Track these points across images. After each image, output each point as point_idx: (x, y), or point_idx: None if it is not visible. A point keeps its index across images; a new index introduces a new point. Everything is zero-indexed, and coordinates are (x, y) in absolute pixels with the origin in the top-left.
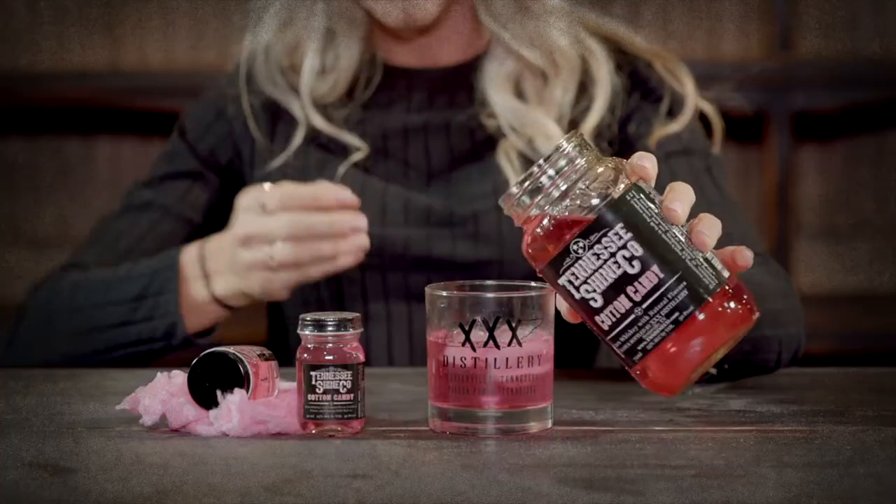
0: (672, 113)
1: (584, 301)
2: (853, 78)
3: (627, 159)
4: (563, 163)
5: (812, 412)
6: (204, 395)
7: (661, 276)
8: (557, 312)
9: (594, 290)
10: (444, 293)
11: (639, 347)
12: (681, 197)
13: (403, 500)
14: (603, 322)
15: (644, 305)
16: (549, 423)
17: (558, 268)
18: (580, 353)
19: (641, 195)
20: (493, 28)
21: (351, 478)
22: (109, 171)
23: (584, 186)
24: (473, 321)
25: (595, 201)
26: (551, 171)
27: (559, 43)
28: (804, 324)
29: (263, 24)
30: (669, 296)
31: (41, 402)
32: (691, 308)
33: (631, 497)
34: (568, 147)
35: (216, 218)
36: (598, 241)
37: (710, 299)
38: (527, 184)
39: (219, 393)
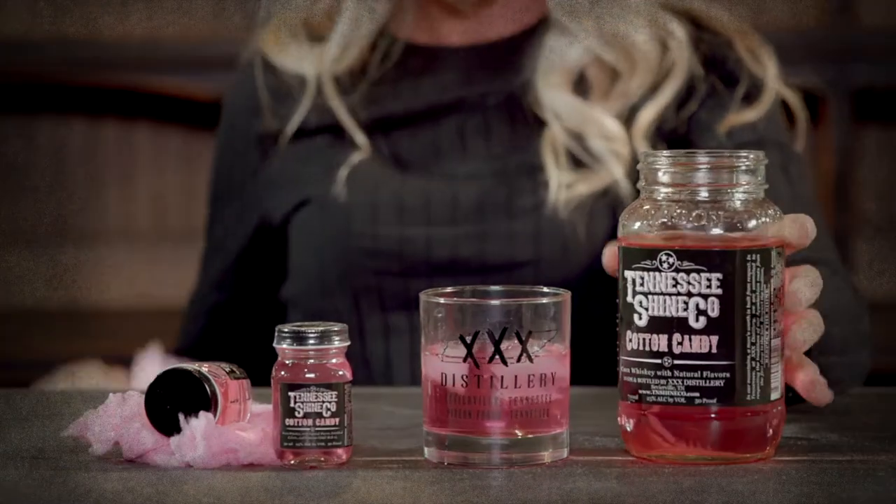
0: (749, 98)
1: (630, 307)
2: None
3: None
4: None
5: (874, 439)
6: (164, 420)
7: (714, 351)
8: (574, 322)
9: (646, 309)
10: (442, 300)
11: (640, 391)
12: (807, 283)
13: None
14: (630, 341)
15: (676, 361)
16: (565, 453)
17: (635, 261)
18: (602, 367)
19: (762, 265)
20: (567, 23)
21: None
22: (52, 156)
23: (718, 214)
24: (476, 333)
25: (716, 231)
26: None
27: (638, 39)
28: (871, 340)
29: None
30: (705, 374)
31: None
32: (714, 401)
33: None
34: (751, 161)
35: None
36: (687, 272)
37: (735, 408)
38: (679, 158)
39: (181, 417)
